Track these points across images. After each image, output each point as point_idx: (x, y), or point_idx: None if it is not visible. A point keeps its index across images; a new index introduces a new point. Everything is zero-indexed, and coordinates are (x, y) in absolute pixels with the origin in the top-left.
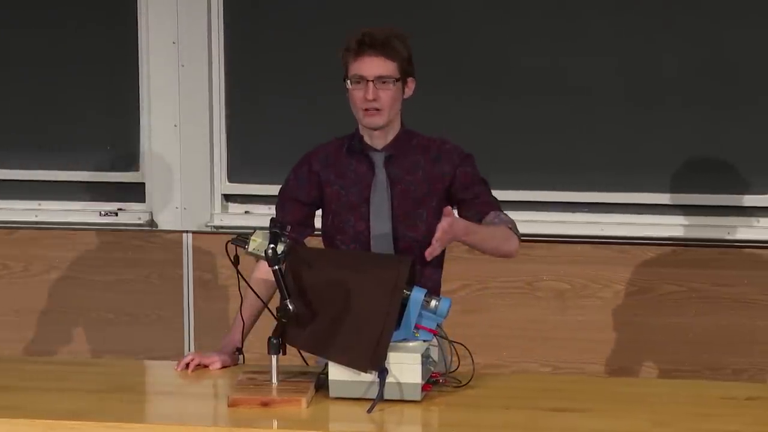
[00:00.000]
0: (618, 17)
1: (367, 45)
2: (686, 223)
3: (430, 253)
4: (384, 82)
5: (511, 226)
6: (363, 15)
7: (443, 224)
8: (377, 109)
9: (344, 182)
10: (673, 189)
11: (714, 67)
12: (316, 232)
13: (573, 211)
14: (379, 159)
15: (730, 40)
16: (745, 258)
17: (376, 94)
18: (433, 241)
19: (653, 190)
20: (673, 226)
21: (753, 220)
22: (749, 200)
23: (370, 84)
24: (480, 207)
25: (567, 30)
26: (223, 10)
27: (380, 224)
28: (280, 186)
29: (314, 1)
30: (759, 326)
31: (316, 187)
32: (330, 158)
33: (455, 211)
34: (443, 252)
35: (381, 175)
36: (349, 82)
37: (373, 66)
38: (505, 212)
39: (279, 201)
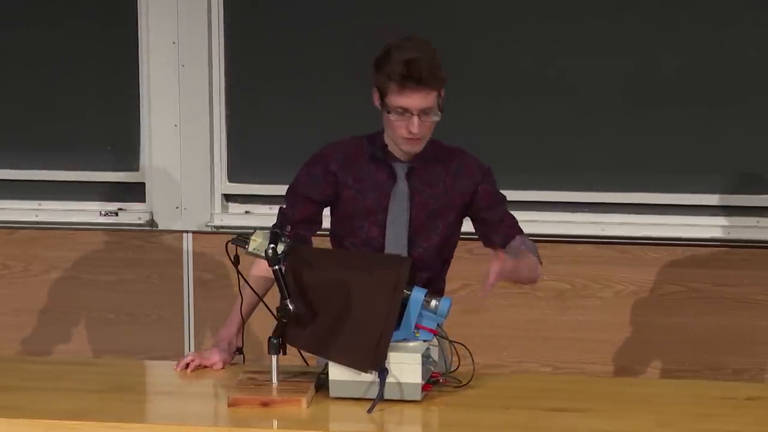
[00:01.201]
0: (617, 18)
1: (414, 80)
2: (687, 223)
3: (483, 296)
4: (427, 114)
5: (535, 253)
6: (364, 16)
7: (497, 268)
8: (418, 138)
9: (361, 187)
10: (674, 189)
11: (713, 67)
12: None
13: (574, 211)
14: (401, 170)
15: (729, 40)
16: (745, 258)
17: (421, 127)
18: (486, 286)
19: (653, 190)
20: (673, 226)
21: (753, 220)
22: (750, 200)
23: (415, 118)
24: (506, 231)
25: (567, 31)
26: (223, 10)
27: (396, 233)
28: (288, 184)
29: (314, 2)
30: (760, 326)
31: (333, 187)
32: (348, 160)
33: (465, 218)
34: (451, 255)
35: (402, 186)
36: (390, 113)
37: (418, 100)
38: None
39: (289, 197)
